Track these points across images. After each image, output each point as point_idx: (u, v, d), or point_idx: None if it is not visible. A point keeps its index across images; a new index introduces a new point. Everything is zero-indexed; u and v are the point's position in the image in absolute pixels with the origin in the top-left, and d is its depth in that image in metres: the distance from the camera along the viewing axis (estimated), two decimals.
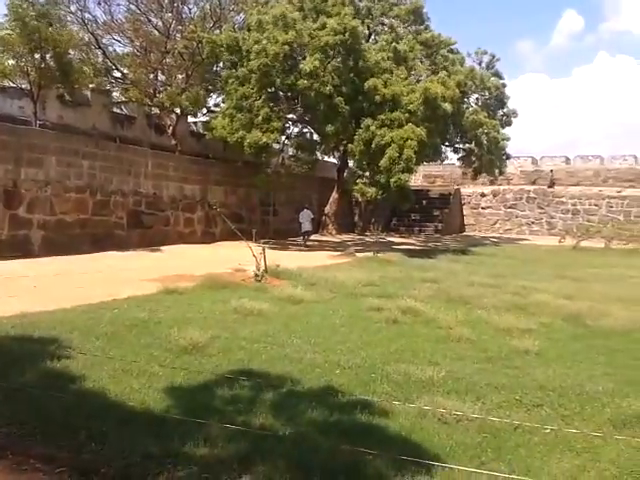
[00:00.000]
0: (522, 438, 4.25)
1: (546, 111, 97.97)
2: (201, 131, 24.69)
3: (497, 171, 26.93)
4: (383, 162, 19.17)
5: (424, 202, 31.95)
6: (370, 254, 17.63)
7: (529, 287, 11.47)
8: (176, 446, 3.70)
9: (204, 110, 24.44)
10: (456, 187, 34.53)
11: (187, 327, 6.86)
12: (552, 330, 7.96)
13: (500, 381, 5.59)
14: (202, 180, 21.54)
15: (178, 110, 21.97)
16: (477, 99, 26.60)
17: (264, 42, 19.21)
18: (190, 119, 24.68)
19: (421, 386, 5.34)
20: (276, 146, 22.36)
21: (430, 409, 4.57)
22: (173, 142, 21.80)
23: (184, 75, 22.44)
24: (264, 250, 11.45)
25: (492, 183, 31.50)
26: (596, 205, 30.94)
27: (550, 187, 31.92)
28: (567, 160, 34.50)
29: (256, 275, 11.12)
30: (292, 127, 24.40)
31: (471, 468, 3.64)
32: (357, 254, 18.37)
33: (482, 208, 34.53)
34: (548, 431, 4.32)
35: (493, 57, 27.25)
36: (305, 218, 22.46)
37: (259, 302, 8.73)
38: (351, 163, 25.13)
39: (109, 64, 22.55)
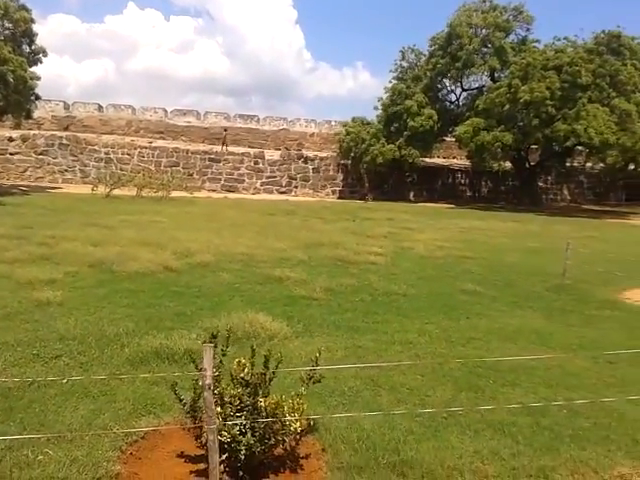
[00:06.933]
0: (36, 393, 4.12)
1: (78, 55, 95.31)
2: None
3: (25, 113, 24.69)
4: None
5: None
6: None
7: (58, 236, 11.10)
8: None
9: None
10: None
11: None
12: (78, 279, 7.92)
13: (18, 337, 5.27)
14: None
15: None
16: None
17: None
18: None
19: None
20: None
21: None
22: None
23: None
24: None
25: (20, 127, 28.76)
26: (129, 155, 32.08)
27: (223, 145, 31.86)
28: (100, 108, 34.54)
29: None
30: None
31: None
32: None
33: (10, 154, 31.18)
34: (65, 381, 4.30)
35: None
36: None
37: None
38: None
39: None
